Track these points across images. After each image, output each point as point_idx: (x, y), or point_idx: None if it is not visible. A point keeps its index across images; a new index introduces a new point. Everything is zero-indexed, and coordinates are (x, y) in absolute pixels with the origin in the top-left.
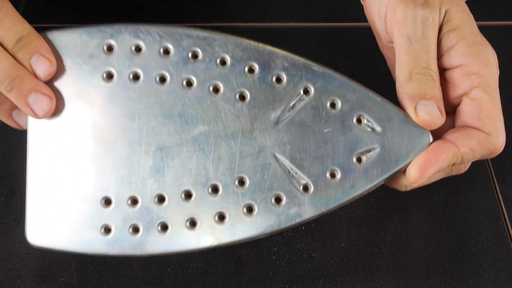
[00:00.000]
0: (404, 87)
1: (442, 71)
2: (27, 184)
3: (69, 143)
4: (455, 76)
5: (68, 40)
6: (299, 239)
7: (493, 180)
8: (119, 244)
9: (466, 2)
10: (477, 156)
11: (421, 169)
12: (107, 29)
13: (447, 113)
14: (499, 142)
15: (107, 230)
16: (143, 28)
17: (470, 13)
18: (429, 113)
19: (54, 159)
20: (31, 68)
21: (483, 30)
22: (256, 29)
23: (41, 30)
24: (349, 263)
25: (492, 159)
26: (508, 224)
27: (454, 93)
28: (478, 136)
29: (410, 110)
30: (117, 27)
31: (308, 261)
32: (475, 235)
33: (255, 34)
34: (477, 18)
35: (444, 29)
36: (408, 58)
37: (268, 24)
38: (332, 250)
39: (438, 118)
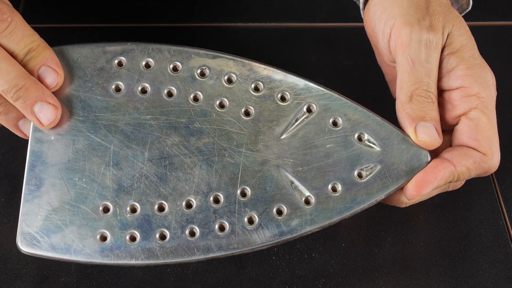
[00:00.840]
0: (404, 107)
1: (442, 91)
2: (23, 190)
3: (70, 150)
4: (454, 97)
5: (80, 54)
6: (299, 239)
7: (493, 180)
8: (115, 252)
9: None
10: (473, 174)
11: (419, 186)
12: (119, 46)
13: (444, 131)
14: (494, 162)
15: (103, 238)
16: (154, 46)
17: (471, 35)
18: (428, 135)
19: (54, 165)
20: (39, 78)
21: (483, 30)
22: (256, 29)
23: (41, 30)
24: (349, 263)
25: None
26: (508, 224)
27: (453, 113)
28: (474, 155)
29: (410, 131)
30: (129, 45)
31: (308, 261)
32: (475, 235)
33: (255, 34)
34: (477, 18)
35: (445, 52)
36: (410, 80)
37: (268, 24)
38: (332, 250)
39: (436, 140)
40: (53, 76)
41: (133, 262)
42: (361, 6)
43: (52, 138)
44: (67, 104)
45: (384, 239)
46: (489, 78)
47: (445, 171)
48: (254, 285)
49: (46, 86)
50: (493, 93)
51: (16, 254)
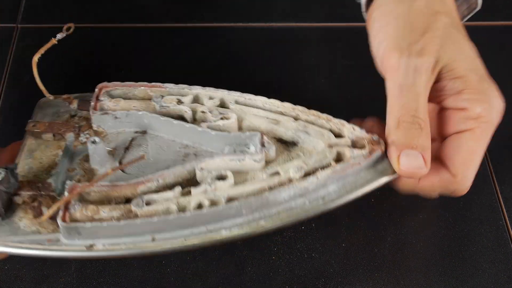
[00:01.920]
0: (391, 134)
1: (446, 109)
2: None
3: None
4: (455, 115)
5: None
6: (299, 239)
7: (493, 180)
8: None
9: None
10: (436, 192)
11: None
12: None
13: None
14: (462, 186)
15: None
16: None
17: (476, 56)
18: (411, 164)
19: None
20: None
21: (483, 30)
22: (256, 29)
23: (42, 30)
24: (349, 263)
25: (492, 159)
26: (508, 224)
27: (450, 129)
28: (443, 175)
29: (393, 161)
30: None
31: (308, 261)
32: (475, 235)
33: (255, 34)
34: (477, 18)
35: (448, 76)
36: (396, 105)
37: (268, 24)
38: (332, 250)
39: (420, 169)
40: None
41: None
42: (363, 8)
43: None
44: None
45: (384, 239)
46: (496, 104)
47: (408, 183)
48: (254, 285)
49: None
50: (495, 119)
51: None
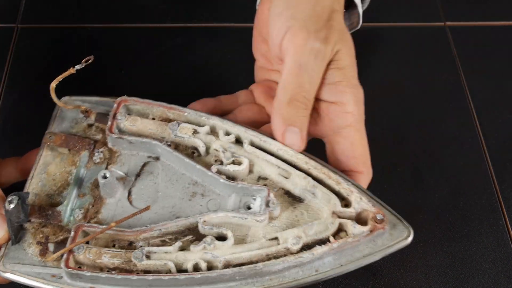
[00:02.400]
0: (281, 107)
1: (319, 100)
2: None
3: None
4: (332, 111)
5: None
6: None
7: (493, 180)
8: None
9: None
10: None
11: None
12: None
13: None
14: (368, 179)
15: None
16: None
17: (355, 57)
18: (294, 140)
19: None
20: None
21: (483, 30)
22: None
23: (42, 30)
24: None
25: (492, 159)
26: (508, 224)
27: (330, 125)
28: (357, 176)
29: (278, 133)
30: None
31: None
32: (475, 235)
33: None
34: (477, 18)
35: (332, 66)
36: (294, 83)
37: None
38: None
39: (299, 147)
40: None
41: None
42: None
43: None
44: None
45: None
46: (361, 97)
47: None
48: None
49: None
50: (363, 111)
51: None
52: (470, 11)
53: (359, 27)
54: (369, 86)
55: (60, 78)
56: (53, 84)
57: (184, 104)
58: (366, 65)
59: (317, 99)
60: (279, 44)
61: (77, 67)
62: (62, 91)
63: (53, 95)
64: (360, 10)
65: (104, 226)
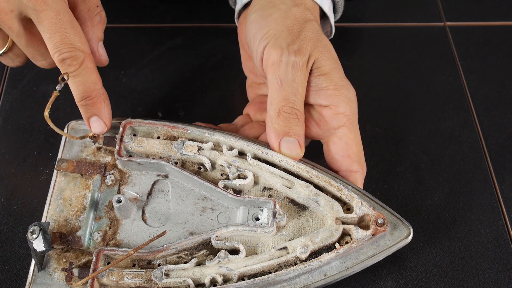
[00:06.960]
0: (272, 122)
1: (312, 105)
2: None
3: None
4: (326, 114)
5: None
6: None
7: (493, 180)
8: None
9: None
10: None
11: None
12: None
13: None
14: (363, 174)
15: None
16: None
17: (338, 60)
18: (290, 149)
19: None
20: (89, 125)
21: (483, 30)
22: None
23: None
24: None
25: (492, 159)
26: (508, 224)
27: (326, 127)
28: (354, 176)
29: (275, 145)
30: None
31: None
32: (475, 235)
33: None
34: (477, 18)
35: (315, 73)
36: (278, 97)
37: None
38: None
39: (297, 154)
40: (101, 127)
41: None
42: (235, 15)
43: None
44: None
45: None
46: (352, 96)
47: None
48: None
49: (93, 131)
50: (356, 109)
51: (16, 254)
52: (470, 11)
53: (331, 36)
54: (369, 86)
55: (49, 105)
56: (46, 113)
57: (186, 108)
58: (366, 65)
59: (311, 105)
60: (260, 64)
61: (58, 88)
62: (61, 91)
63: (51, 124)
64: (332, 21)
65: (123, 249)
